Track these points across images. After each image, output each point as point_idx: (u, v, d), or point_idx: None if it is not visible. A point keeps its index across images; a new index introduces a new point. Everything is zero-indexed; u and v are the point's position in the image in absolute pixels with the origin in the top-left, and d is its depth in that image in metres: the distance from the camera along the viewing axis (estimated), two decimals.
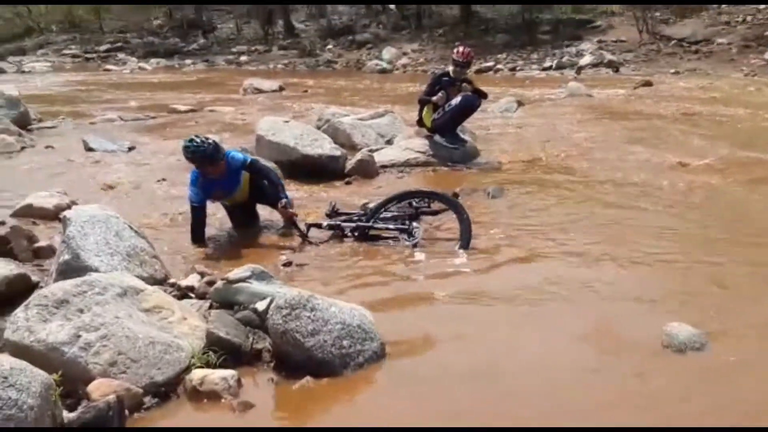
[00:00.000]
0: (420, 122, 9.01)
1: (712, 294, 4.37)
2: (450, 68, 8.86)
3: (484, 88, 9.02)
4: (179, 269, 4.88)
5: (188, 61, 32.15)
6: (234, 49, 33.30)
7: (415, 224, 5.62)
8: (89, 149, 9.53)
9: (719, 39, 21.55)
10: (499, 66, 23.61)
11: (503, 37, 26.53)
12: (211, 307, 4.04)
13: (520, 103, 13.40)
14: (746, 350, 3.60)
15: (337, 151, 8.09)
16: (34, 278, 4.44)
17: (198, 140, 5.51)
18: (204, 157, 5.51)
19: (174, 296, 4.10)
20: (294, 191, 6.91)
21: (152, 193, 7.29)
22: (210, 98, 16.71)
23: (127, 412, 3.01)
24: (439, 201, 5.92)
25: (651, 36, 23.34)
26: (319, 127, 9.30)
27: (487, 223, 5.96)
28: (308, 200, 6.90)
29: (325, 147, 8.08)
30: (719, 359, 3.49)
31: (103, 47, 36.48)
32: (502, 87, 16.93)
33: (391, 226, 5.66)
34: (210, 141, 5.55)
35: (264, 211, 6.23)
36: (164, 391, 3.25)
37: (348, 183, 7.69)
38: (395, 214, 5.89)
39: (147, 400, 3.17)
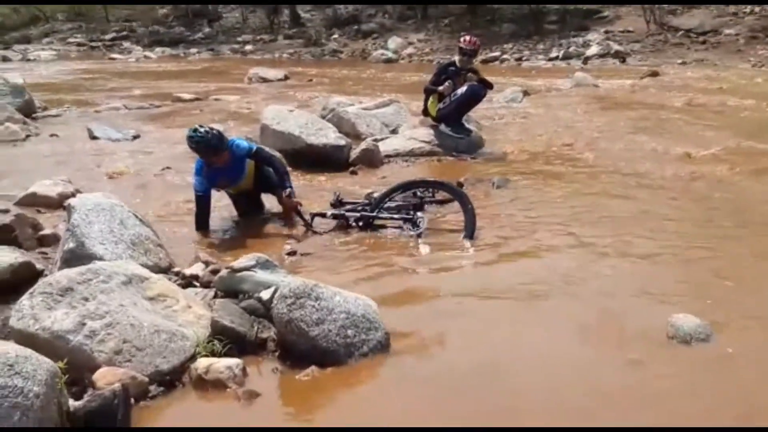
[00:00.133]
0: (425, 112, 9.00)
1: (717, 285, 4.35)
2: (456, 58, 8.84)
3: (489, 78, 9.00)
4: (184, 258, 4.87)
5: (193, 50, 32.13)
6: (239, 39, 33.27)
7: (419, 214, 5.61)
8: (94, 137, 9.54)
9: (727, 30, 21.41)
10: (505, 56, 23.51)
11: (509, 27, 26.43)
12: (215, 295, 4.04)
13: (525, 93, 13.36)
14: (751, 341, 3.59)
15: (342, 141, 8.07)
16: (39, 266, 4.44)
17: (202, 130, 5.50)
18: (208, 147, 5.51)
19: (178, 285, 4.11)
20: (298, 180, 6.90)
21: (157, 182, 7.28)
22: (215, 87, 16.69)
23: (132, 400, 3.01)
24: (444, 191, 5.92)
25: (658, 26, 23.21)
26: (323, 117, 9.29)
27: (492, 213, 5.95)
28: (312, 189, 6.89)
29: (330, 136, 8.06)
30: (724, 350, 3.48)
31: (108, 36, 36.50)
32: (508, 77, 16.88)
33: (395, 216, 5.66)
34: (214, 131, 5.54)
35: (269, 201, 6.22)
36: (169, 380, 3.25)
37: (353, 173, 7.67)
38: (400, 203, 5.89)
39: (152, 388, 3.17)
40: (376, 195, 6.04)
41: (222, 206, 6.12)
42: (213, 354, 3.39)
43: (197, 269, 4.47)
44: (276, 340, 3.59)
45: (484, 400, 3.10)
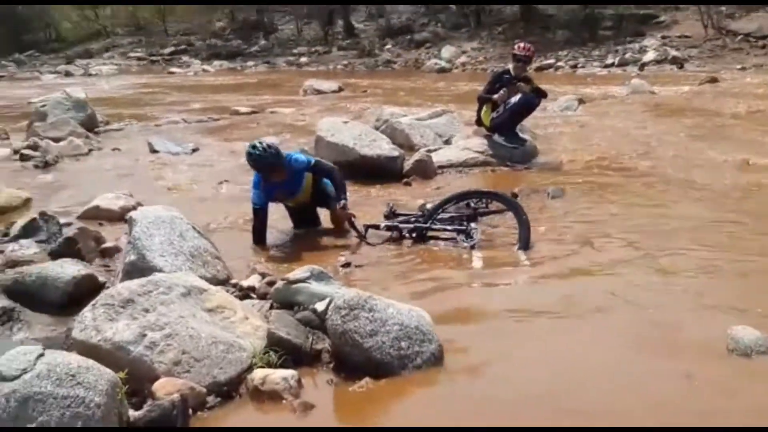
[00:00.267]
0: (479, 121, 8.96)
1: None
2: (510, 65, 8.80)
3: (543, 86, 8.94)
4: (241, 270, 4.95)
5: (250, 63, 32.64)
6: (294, 51, 33.70)
7: (473, 225, 5.59)
8: (154, 151, 9.77)
9: None
10: (559, 63, 23.32)
11: (564, 34, 26.20)
12: (271, 307, 4.09)
13: (581, 101, 13.19)
14: None
15: (395, 152, 8.10)
16: (101, 278, 4.55)
17: (260, 147, 5.55)
18: (265, 164, 5.58)
19: (236, 296, 4.17)
20: (352, 192, 6.95)
21: (215, 194, 7.43)
22: (271, 100, 16.92)
23: (190, 410, 3.06)
24: (498, 201, 5.88)
25: (716, 31, 22.74)
26: (377, 128, 9.33)
27: (547, 224, 5.90)
28: (366, 201, 6.94)
29: (384, 147, 8.10)
30: None
31: (167, 50, 37.36)
32: (562, 85, 16.72)
33: (448, 227, 5.65)
34: (271, 148, 5.58)
35: (324, 214, 6.26)
36: (226, 391, 3.29)
37: (406, 184, 7.69)
38: (453, 214, 5.87)
39: (210, 399, 3.22)
40: (429, 206, 6.04)
41: (278, 219, 6.19)
42: (269, 365, 3.43)
43: (254, 281, 4.54)
44: (330, 351, 3.61)
45: (538, 418, 3.05)
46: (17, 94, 20.41)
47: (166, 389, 3.07)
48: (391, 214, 6.00)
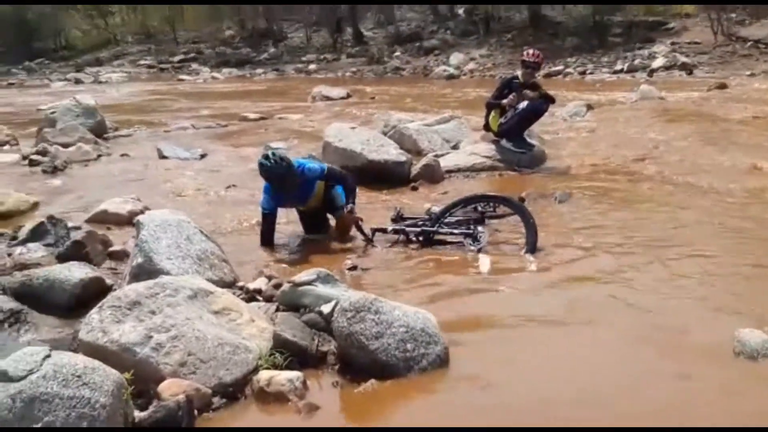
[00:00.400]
0: (486, 127, 8.96)
1: None
2: (519, 72, 8.80)
3: (552, 92, 8.93)
4: (248, 272, 4.96)
5: (259, 70, 32.79)
6: (303, 58, 33.83)
7: (480, 229, 5.58)
8: (163, 157, 9.81)
9: None
10: (568, 70, 23.35)
11: (573, 41, 26.22)
12: (277, 309, 4.10)
13: (589, 107, 13.15)
14: None
15: (403, 157, 8.12)
16: (109, 281, 4.56)
17: (272, 160, 5.54)
18: (277, 177, 5.59)
19: (242, 299, 4.18)
20: (360, 196, 6.94)
21: (222, 199, 7.44)
22: (279, 106, 16.97)
23: (196, 411, 3.06)
24: (505, 205, 5.86)
25: (726, 37, 22.71)
26: (385, 133, 9.35)
27: (554, 228, 5.89)
28: (373, 205, 6.94)
29: (391, 152, 8.11)
30: None
31: (176, 58, 37.56)
32: (571, 91, 16.70)
33: (456, 231, 5.65)
34: (284, 161, 5.57)
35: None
36: (232, 392, 3.29)
37: (414, 188, 7.70)
38: (460, 218, 5.87)
39: (215, 400, 3.22)
40: (436, 210, 6.04)
41: (285, 223, 6.20)
42: (275, 367, 3.43)
43: (260, 284, 4.55)
44: (336, 353, 3.62)
45: (542, 424, 3.03)
46: (27, 101, 20.56)
47: (171, 390, 3.07)
48: (398, 218, 6.00)
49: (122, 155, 10.17)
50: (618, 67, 22.67)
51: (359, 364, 3.44)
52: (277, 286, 4.37)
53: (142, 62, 38.19)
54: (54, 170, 9.00)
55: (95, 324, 3.38)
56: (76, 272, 4.39)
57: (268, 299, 4.31)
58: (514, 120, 8.54)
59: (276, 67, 33.30)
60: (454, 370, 3.48)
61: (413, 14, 34.69)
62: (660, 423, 2.96)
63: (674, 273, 4.73)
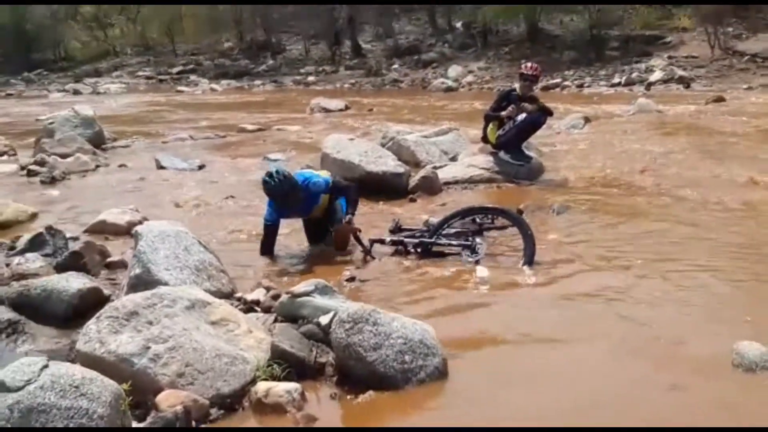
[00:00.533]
0: (485, 139, 8.96)
1: None
2: (517, 85, 8.82)
3: (550, 105, 8.95)
4: (245, 283, 4.96)
5: (257, 82, 32.78)
6: (302, 70, 33.83)
7: (478, 240, 5.59)
8: (161, 167, 9.83)
9: None
10: (566, 83, 23.36)
11: (570, 54, 26.27)
12: (275, 320, 4.10)
13: (587, 120, 13.16)
14: None
15: (401, 168, 8.13)
16: (106, 291, 4.56)
17: (276, 178, 5.54)
18: (280, 195, 5.61)
19: (240, 310, 4.18)
20: (358, 207, 6.94)
21: (220, 210, 7.44)
22: (277, 117, 16.99)
23: (193, 423, 3.06)
24: (503, 217, 5.86)
25: (723, 51, 22.81)
26: (383, 145, 9.36)
27: (552, 240, 5.89)
28: (372, 216, 6.94)
29: (389, 164, 8.13)
30: None
31: (175, 69, 37.53)
32: (568, 104, 16.73)
33: (454, 243, 5.65)
34: (288, 180, 5.58)
35: None
36: (230, 403, 3.29)
37: (412, 200, 7.71)
38: (458, 230, 5.87)
39: (213, 411, 3.22)
40: (434, 221, 6.04)
41: (285, 235, 6.19)
42: (273, 378, 3.42)
43: (258, 295, 4.55)
44: (334, 364, 3.61)
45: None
46: (25, 112, 20.58)
47: (169, 401, 3.07)
48: (396, 229, 6.01)
49: (120, 166, 10.18)
50: (615, 80, 22.72)
51: (357, 376, 3.44)
52: (275, 297, 4.38)
53: (140, 73, 38.16)
54: (52, 180, 9.01)
55: (93, 334, 3.38)
56: (74, 282, 4.39)
57: (266, 310, 4.31)
58: (513, 132, 8.55)
59: (274, 78, 33.29)
60: (452, 383, 3.48)
61: (411, 27, 34.78)
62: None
63: (672, 285, 4.73)
